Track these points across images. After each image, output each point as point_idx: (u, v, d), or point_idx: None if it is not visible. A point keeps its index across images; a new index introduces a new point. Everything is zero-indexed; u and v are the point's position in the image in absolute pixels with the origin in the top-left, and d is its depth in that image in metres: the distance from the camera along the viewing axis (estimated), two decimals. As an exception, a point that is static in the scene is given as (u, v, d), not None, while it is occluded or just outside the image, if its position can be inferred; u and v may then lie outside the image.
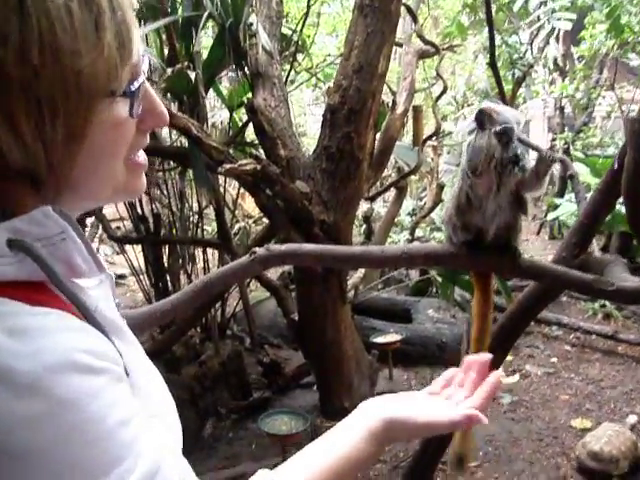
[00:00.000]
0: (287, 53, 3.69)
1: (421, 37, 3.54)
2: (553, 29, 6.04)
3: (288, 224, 3.00)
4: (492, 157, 1.61)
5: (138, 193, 0.67)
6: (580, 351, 4.71)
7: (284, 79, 3.65)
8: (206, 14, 3.05)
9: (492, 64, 2.58)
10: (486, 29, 6.38)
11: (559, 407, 3.80)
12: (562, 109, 8.20)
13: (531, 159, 1.65)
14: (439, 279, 5.80)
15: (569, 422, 3.60)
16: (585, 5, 5.88)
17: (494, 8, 5.63)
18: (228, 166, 2.53)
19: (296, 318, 3.69)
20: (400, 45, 4.07)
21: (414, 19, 3.63)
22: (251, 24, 3.15)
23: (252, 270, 1.74)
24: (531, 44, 5.77)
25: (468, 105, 7.12)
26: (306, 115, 10.25)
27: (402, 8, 3.29)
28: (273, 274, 7.07)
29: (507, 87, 6.56)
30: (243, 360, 4.28)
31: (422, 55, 4.03)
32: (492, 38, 2.58)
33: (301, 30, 3.48)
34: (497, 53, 6.32)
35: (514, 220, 1.71)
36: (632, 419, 3.61)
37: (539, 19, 5.04)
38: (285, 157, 3.15)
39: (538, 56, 6.33)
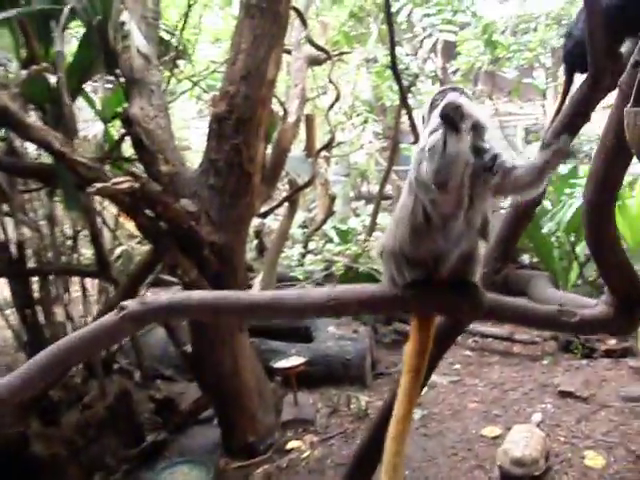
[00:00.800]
0: (166, 58, 3.35)
1: (311, 42, 3.37)
2: (437, 41, 6.26)
3: (174, 248, 2.67)
4: (467, 164, 1.34)
5: None
6: (479, 355, 4.80)
7: (164, 87, 3.31)
8: (67, 8, 2.64)
9: (394, 69, 2.45)
10: (371, 40, 6.47)
11: (468, 416, 3.78)
12: (443, 119, 8.47)
13: (509, 156, 1.39)
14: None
15: (480, 431, 3.58)
16: (461, 22, 6.11)
17: (379, 19, 5.67)
18: (99, 185, 2.16)
19: (189, 349, 3.34)
20: (289, 52, 3.88)
21: (304, 23, 3.45)
22: (123, 23, 2.79)
23: (122, 331, 1.40)
24: (416, 55, 5.86)
25: (357, 115, 7.15)
26: (190, 129, 9.82)
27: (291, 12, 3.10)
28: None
29: (393, 97, 6.67)
30: (132, 398, 3.82)
31: (312, 62, 3.87)
32: (392, 42, 2.45)
33: (181, 33, 3.15)
34: (382, 63, 6.40)
35: (475, 248, 1.44)
36: (537, 417, 3.71)
37: (424, 30, 5.11)
38: (167, 173, 2.82)
39: (422, 67, 6.47)
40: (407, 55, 5.91)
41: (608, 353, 4.68)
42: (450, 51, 8.06)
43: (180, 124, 8.35)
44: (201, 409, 3.90)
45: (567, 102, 1.73)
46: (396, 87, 6.62)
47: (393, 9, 5.23)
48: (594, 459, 3.34)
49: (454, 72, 8.45)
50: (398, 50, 6.26)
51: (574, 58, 1.83)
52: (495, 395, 4.07)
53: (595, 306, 1.45)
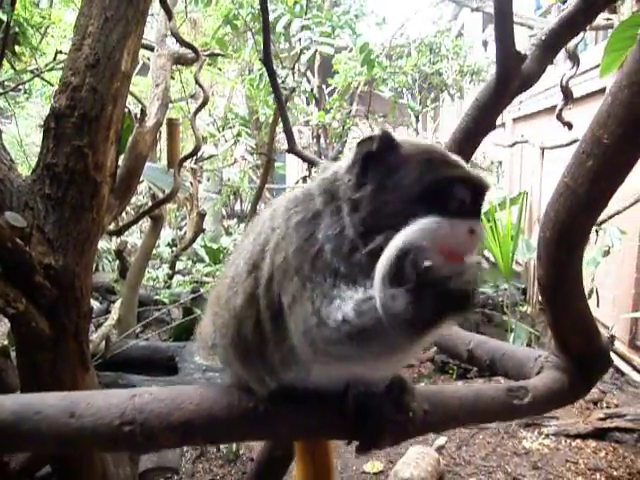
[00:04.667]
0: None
1: (177, 37, 2.96)
2: (314, 58, 6.11)
3: (-6, 273, 2.10)
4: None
5: None
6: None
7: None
8: None
9: (267, 61, 2.13)
10: (247, 50, 6.16)
11: (349, 450, 3.52)
12: (319, 138, 8.40)
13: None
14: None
15: (361, 467, 3.36)
16: (338, 46, 6.01)
17: (255, 29, 5.38)
18: None
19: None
20: (152, 49, 3.44)
21: (168, 14, 3.03)
22: None
23: None
24: (293, 68, 5.66)
25: (230, 128, 6.80)
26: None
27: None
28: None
29: (269, 111, 6.41)
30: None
31: (178, 60, 3.46)
32: (266, 28, 2.14)
33: (12, 6, 2.57)
34: (257, 75, 6.11)
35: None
36: (441, 441, 3.71)
37: (300, 42, 4.90)
38: (-12, 178, 2.24)
39: (300, 81, 6.28)
40: (284, 68, 5.68)
41: (481, 373, 4.74)
42: (327, 70, 8.01)
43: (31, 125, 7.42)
44: (38, 465, 3.25)
45: (471, 105, 1.54)
46: (272, 101, 6.39)
47: (270, 18, 4.97)
48: (476, 487, 3.27)
49: (329, 94, 8.43)
50: (275, 63, 6.04)
51: None
52: (375, 425, 3.87)
53: (539, 368, 1.20)
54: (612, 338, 1.19)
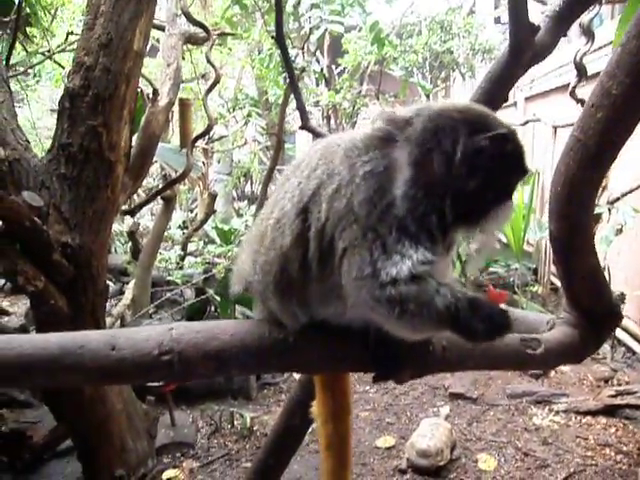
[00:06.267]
0: (8, 19, 2.77)
1: (188, 16, 2.96)
2: (323, 38, 6.07)
3: (12, 251, 2.15)
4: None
5: None
6: (369, 360, 4.64)
7: (5, 55, 2.74)
8: None
9: (279, 40, 2.13)
10: (257, 30, 6.13)
11: (361, 427, 3.58)
12: (329, 118, 8.35)
13: None
14: (217, 298, 5.28)
15: (374, 442, 3.41)
16: (348, 25, 5.94)
17: (264, 8, 5.34)
18: None
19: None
20: (162, 29, 3.44)
21: (179, -7, 3.04)
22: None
23: None
24: (302, 48, 5.62)
25: (240, 108, 6.78)
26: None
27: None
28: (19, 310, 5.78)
29: (279, 92, 6.39)
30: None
31: (189, 39, 3.46)
32: (279, 9, 2.13)
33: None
34: (267, 55, 6.09)
35: None
36: (446, 410, 3.79)
37: (309, 20, 4.87)
38: (5, 158, 2.29)
39: (309, 61, 6.24)
40: (293, 48, 5.64)
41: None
42: (336, 50, 7.94)
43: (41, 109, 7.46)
44: (60, 439, 3.35)
45: (484, 78, 1.55)
46: (282, 82, 6.37)
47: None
48: (487, 462, 3.31)
49: (339, 74, 8.38)
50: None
51: None
52: (387, 401, 3.92)
53: (551, 325, 1.23)
54: (622, 295, 1.21)
